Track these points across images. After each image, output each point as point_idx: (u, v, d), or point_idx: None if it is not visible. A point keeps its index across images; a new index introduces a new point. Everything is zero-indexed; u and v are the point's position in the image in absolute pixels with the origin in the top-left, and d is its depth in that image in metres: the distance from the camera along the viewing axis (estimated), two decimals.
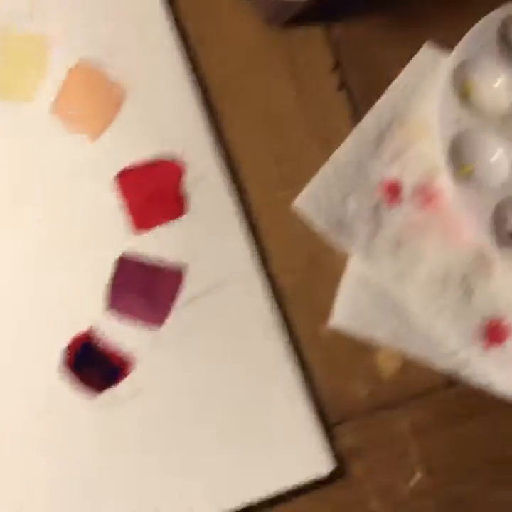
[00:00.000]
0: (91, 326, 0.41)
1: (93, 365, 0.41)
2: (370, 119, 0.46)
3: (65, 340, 0.41)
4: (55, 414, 0.40)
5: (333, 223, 0.44)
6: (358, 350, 0.44)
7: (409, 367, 0.44)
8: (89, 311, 0.41)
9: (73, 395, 0.41)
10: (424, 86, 0.47)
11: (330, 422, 0.43)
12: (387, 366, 0.44)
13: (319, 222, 0.44)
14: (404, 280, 0.44)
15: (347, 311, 0.44)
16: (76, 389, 0.41)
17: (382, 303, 0.44)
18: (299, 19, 0.47)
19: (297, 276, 0.45)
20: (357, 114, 0.47)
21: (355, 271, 0.44)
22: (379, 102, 0.46)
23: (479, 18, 0.47)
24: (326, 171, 0.45)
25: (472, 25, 0.47)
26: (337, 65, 0.47)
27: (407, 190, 0.46)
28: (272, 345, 0.42)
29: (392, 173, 0.46)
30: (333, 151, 0.46)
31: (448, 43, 0.48)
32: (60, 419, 0.40)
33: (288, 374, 0.42)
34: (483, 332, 0.44)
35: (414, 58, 0.48)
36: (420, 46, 0.48)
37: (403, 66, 0.47)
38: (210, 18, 0.46)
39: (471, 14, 0.47)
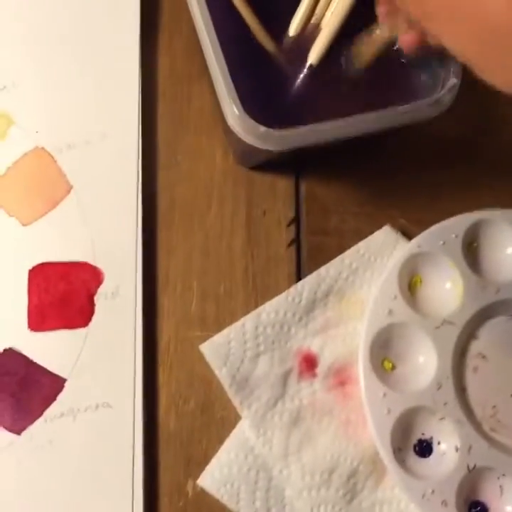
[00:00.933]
0: None
1: None
2: (309, 284, 0.45)
3: None
4: None
5: (235, 378, 0.42)
6: None
7: None
8: None
9: None
10: (374, 265, 0.46)
11: None
12: None
13: (222, 373, 0.42)
14: (290, 460, 0.42)
15: (217, 475, 0.41)
16: None
17: (257, 478, 0.41)
18: (269, 166, 0.46)
19: (182, 421, 0.42)
20: (298, 274, 0.45)
21: (242, 436, 0.42)
22: (323, 269, 0.45)
23: (449, 216, 0.46)
24: (245, 325, 0.43)
25: (440, 220, 0.46)
26: (293, 221, 0.46)
27: (322, 367, 0.44)
28: (127, 491, 0.39)
29: (313, 345, 0.44)
30: (263, 303, 0.44)
31: (412, 231, 0.46)
32: None
33: None
34: None
35: (374, 234, 0.46)
36: (383, 222, 0.47)
37: (359, 240, 0.46)
38: (185, 134, 0.46)
39: (442, 210, 0.46)
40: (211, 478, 0.41)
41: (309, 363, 0.44)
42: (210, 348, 0.43)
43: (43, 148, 0.43)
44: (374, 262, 0.46)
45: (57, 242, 0.42)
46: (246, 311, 0.44)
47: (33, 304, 0.41)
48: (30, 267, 0.42)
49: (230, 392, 0.42)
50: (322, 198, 0.47)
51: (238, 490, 0.41)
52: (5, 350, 0.41)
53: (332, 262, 0.45)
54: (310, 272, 0.45)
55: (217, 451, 0.42)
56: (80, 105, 0.44)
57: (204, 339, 0.43)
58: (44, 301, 0.42)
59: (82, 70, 0.44)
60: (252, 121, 0.38)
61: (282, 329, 0.44)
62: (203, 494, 0.41)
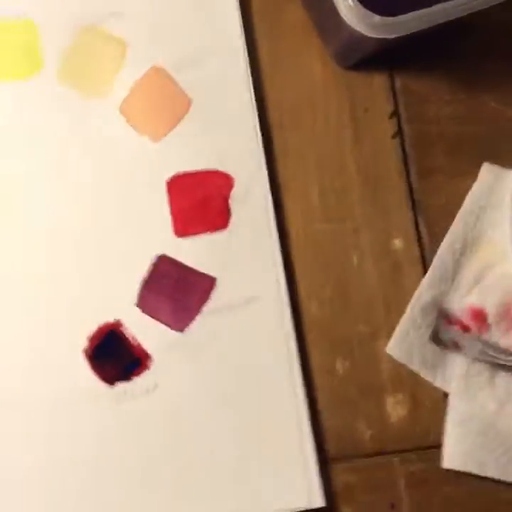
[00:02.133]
0: (118, 319, 0.42)
1: (114, 355, 0.42)
2: (445, 251, 0.46)
3: (92, 329, 0.42)
4: (74, 399, 0.41)
5: (427, 365, 0.44)
6: (368, 392, 0.45)
7: (416, 417, 0.45)
8: (120, 304, 0.43)
9: (92, 383, 0.41)
10: (490, 207, 0.47)
11: (328, 459, 0.44)
12: (395, 413, 0.45)
13: (414, 366, 0.44)
14: (506, 409, 0.44)
15: (457, 453, 0.43)
16: (95, 376, 0.41)
17: (490, 439, 0.43)
18: (365, 63, 0.49)
19: (322, 308, 0.45)
20: (405, 162, 0.48)
21: (456, 409, 0.44)
22: (449, 233, 0.46)
23: None
24: (413, 311, 0.45)
25: None
26: (394, 113, 0.49)
27: (491, 316, 0.45)
28: (285, 370, 0.43)
29: (474, 300, 0.45)
30: (377, 194, 0.47)
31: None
32: (78, 404, 0.42)
33: (296, 402, 0.43)
34: None
35: (476, 182, 0.47)
36: (476, 107, 0.49)
37: (455, 125, 0.49)
38: (282, 47, 0.48)
39: None
40: (451, 457, 0.43)
41: (479, 317, 0.45)
42: (396, 348, 0.44)
43: (159, 67, 0.45)
44: (489, 203, 0.47)
45: (187, 154, 0.45)
46: (362, 202, 0.47)
47: (176, 213, 0.44)
48: (167, 179, 0.44)
49: (429, 378, 0.44)
50: (416, 90, 0.50)
51: (481, 457, 0.43)
52: (158, 257, 0.43)
53: (453, 222, 0.47)
54: (415, 158, 0.48)
55: (356, 330, 0.45)
56: (186, 24, 0.46)
57: (328, 230, 0.46)
58: (185, 208, 0.44)
59: None
60: (366, 11, 0.40)
61: (441, 301, 0.45)
62: (351, 371, 0.45)
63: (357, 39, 0.42)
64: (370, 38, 0.42)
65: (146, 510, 0.41)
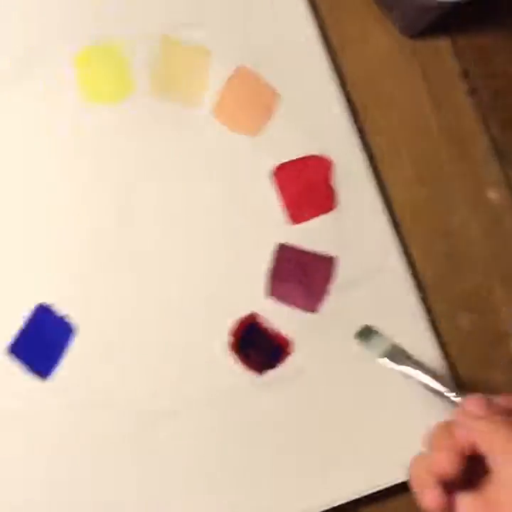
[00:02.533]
0: (253, 311, 0.44)
1: (257, 347, 0.44)
2: None
3: (231, 324, 0.44)
4: (227, 393, 0.43)
5: None
6: (495, 342, 0.46)
7: None
8: (251, 297, 0.44)
9: (238, 375, 0.43)
10: None
11: None
12: None
13: None
14: None
15: None
16: (242, 369, 0.43)
17: None
18: (428, 29, 0.50)
19: (436, 269, 0.47)
20: (485, 117, 0.50)
21: None
22: None
23: None
24: None
25: None
26: (466, 72, 0.51)
27: None
28: (417, 331, 0.45)
29: None
30: (463, 151, 0.49)
31: None
32: (230, 398, 0.43)
33: (432, 359, 0.44)
34: None
35: None
36: None
37: None
38: (348, 26, 0.50)
39: None
40: None
41: None
42: None
43: (243, 67, 0.47)
44: None
45: (284, 144, 0.46)
46: (451, 161, 0.49)
47: (286, 202, 0.46)
48: (271, 171, 0.46)
49: None
50: (482, 47, 0.51)
51: None
52: (278, 246, 0.45)
53: None
54: (494, 111, 0.50)
55: (472, 284, 0.47)
56: (260, 21, 0.48)
57: (425, 194, 0.48)
58: (293, 196, 0.46)
59: None
60: None
61: None
62: (476, 323, 0.47)
63: (424, 9, 0.44)
64: (438, 5, 0.44)
65: (309, 490, 0.43)
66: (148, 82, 0.46)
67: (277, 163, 0.46)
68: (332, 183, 0.46)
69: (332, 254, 0.46)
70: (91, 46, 0.46)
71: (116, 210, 0.45)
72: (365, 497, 0.43)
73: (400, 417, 0.44)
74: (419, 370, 0.43)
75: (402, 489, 0.42)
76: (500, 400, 0.35)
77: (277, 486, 0.43)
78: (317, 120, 0.47)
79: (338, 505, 0.43)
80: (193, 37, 0.47)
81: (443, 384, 0.42)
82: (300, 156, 0.47)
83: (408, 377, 0.43)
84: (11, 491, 0.41)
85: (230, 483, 0.43)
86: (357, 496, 0.43)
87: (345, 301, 0.45)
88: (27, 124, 0.45)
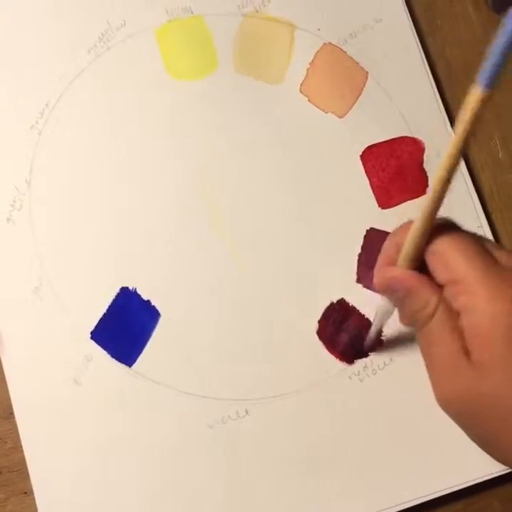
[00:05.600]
0: (342, 298, 0.42)
1: (346, 335, 0.42)
2: None
3: (318, 310, 0.42)
4: (319, 383, 0.41)
5: None
6: None
7: None
8: (341, 283, 0.43)
9: (331, 364, 0.42)
10: None
11: None
12: None
13: None
14: None
15: None
16: (331, 357, 0.42)
17: None
18: None
19: None
20: None
21: None
22: None
23: None
24: None
25: None
26: None
27: None
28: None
29: None
30: None
31: None
32: (323, 387, 0.41)
33: None
34: None
35: None
36: None
37: None
38: (440, 3, 0.48)
39: None
40: None
41: None
42: None
43: (329, 43, 0.45)
44: None
45: (374, 124, 0.45)
46: None
47: (376, 185, 0.44)
48: (360, 153, 0.44)
49: None
50: None
51: None
52: (368, 231, 0.43)
53: None
54: None
55: None
56: None
57: None
58: (383, 179, 0.44)
59: None
60: None
61: None
62: None
63: None
64: None
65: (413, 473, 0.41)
66: (231, 58, 0.44)
67: (366, 144, 0.44)
68: (423, 167, 0.44)
69: None
70: (175, 21, 0.44)
71: (197, 190, 0.43)
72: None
73: None
74: None
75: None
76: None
77: (366, 477, 0.41)
78: (407, 100, 0.45)
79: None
80: (278, 12, 0.45)
81: None
82: (390, 137, 0.45)
83: None
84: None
85: (320, 471, 0.41)
86: (452, 490, 0.41)
87: None
88: (113, 97, 0.43)
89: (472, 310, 0.27)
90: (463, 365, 0.27)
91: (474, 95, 0.24)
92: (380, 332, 0.41)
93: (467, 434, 0.29)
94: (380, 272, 0.31)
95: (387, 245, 0.31)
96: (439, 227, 0.29)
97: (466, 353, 0.27)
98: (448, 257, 0.28)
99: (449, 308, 0.28)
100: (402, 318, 0.31)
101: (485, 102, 0.24)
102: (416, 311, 0.29)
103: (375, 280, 0.31)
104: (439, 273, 0.29)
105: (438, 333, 0.28)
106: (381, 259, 0.31)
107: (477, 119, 0.25)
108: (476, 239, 0.29)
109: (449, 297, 0.28)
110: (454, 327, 0.28)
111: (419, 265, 0.29)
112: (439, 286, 0.29)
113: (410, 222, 0.29)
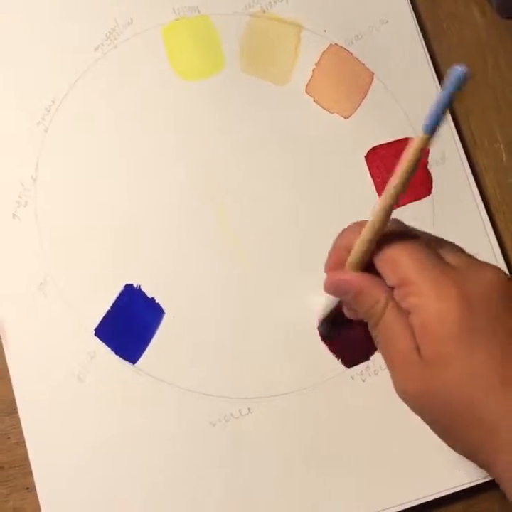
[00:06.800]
0: None
1: (347, 336, 0.42)
2: None
3: (320, 311, 0.42)
4: (320, 383, 0.41)
5: None
6: None
7: None
8: None
9: (330, 363, 0.42)
10: None
11: None
12: None
13: None
14: None
15: None
16: (333, 357, 0.42)
17: None
18: None
19: None
20: None
21: None
22: None
23: None
24: None
25: None
26: None
27: None
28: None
29: None
30: None
31: None
32: (325, 387, 0.42)
33: None
34: None
35: None
36: None
37: None
38: (445, 5, 0.48)
39: None
40: None
41: None
42: None
43: (335, 44, 0.45)
44: None
45: (379, 125, 0.45)
46: None
47: (381, 186, 0.44)
48: (365, 153, 0.44)
49: None
50: None
51: None
52: None
53: None
54: None
55: None
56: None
57: None
58: (387, 180, 0.44)
59: None
60: None
61: None
62: None
63: None
64: None
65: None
66: (237, 58, 0.44)
67: (371, 145, 0.44)
68: (428, 168, 0.45)
69: None
70: (182, 20, 0.44)
71: (202, 188, 0.43)
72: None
73: None
74: None
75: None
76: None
77: (367, 477, 0.41)
78: (412, 101, 0.45)
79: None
80: (285, 13, 0.45)
81: None
82: (395, 138, 0.45)
83: None
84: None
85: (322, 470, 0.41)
86: (452, 491, 0.41)
87: None
88: (119, 95, 0.43)
89: (421, 309, 0.28)
90: (415, 361, 0.28)
91: (418, 139, 0.28)
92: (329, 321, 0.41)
93: (429, 427, 0.30)
94: (330, 275, 0.32)
95: (337, 247, 0.32)
96: (389, 233, 0.30)
97: (418, 349, 0.28)
98: (397, 263, 0.29)
99: (399, 306, 0.29)
100: (348, 312, 0.33)
101: (425, 146, 0.28)
102: (367, 308, 0.30)
103: (326, 283, 0.32)
104: (389, 277, 0.30)
105: (391, 328, 0.29)
106: (330, 261, 0.33)
107: (417, 163, 0.28)
108: (425, 241, 0.30)
109: (398, 299, 0.29)
110: (405, 324, 0.29)
111: (367, 265, 0.31)
112: (388, 287, 0.30)
113: (358, 224, 0.31)
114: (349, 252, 0.31)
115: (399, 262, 0.29)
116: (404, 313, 0.29)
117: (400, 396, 0.30)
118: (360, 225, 0.30)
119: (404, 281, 0.29)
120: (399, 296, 0.29)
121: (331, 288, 0.32)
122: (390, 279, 0.30)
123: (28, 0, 0.44)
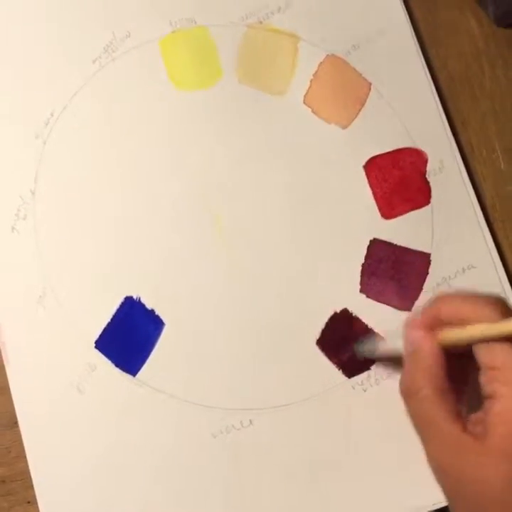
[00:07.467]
0: (344, 307, 0.43)
1: (349, 345, 0.42)
2: None
3: (322, 321, 0.42)
4: (320, 394, 0.41)
5: None
6: None
7: None
8: (344, 293, 0.43)
9: (331, 374, 0.42)
10: None
11: None
12: None
13: None
14: None
15: None
16: (334, 367, 0.42)
17: None
18: None
19: None
20: None
21: None
22: None
23: None
24: None
25: None
26: None
27: None
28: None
29: None
30: None
31: None
32: (324, 398, 0.41)
33: None
34: None
35: None
36: None
37: None
38: (439, 15, 0.48)
39: None
40: None
41: None
42: None
43: (333, 54, 0.45)
44: None
45: (377, 135, 0.45)
46: None
47: (379, 196, 0.44)
48: (363, 164, 0.44)
49: None
50: None
51: None
52: (371, 241, 0.44)
53: None
54: None
55: None
56: (349, 7, 0.46)
57: None
58: (386, 190, 0.44)
59: None
60: None
61: None
62: None
63: None
64: None
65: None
66: (235, 69, 0.45)
67: (369, 155, 0.45)
68: (426, 177, 0.45)
69: (425, 251, 0.44)
70: (179, 32, 0.44)
71: (200, 200, 0.43)
72: None
73: None
74: None
75: None
76: None
77: (370, 488, 0.41)
78: (410, 111, 0.46)
79: None
80: (282, 24, 0.45)
81: None
82: (394, 148, 0.45)
83: None
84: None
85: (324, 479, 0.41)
86: None
87: None
88: (117, 108, 0.43)
89: (503, 397, 0.29)
90: (469, 444, 0.29)
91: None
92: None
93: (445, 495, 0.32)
94: (417, 331, 0.34)
95: (429, 309, 0.34)
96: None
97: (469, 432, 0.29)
98: (493, 345, 0.31)
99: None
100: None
101: None
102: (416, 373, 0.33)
103: (410, 337, 0.34)
104: (481, 355, 0.31)
105: (436, 407, 0.32)
106: (422, 318, 0.34)
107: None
108: None
109: (484, 380, 0.31)
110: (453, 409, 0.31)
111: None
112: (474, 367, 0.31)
113: (456, 297, 0.33)
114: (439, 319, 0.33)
115: (494, 345, 0.31)
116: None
117: (433, 470, 0.32)
118: (457, 297, 0.33)
119: (495, 365, 0.30)
120: (485, 377, 0.31)
121: (411, 339, 0.34)
122: (481, 358, 0.31)
123: (25, 14, 0.44)
